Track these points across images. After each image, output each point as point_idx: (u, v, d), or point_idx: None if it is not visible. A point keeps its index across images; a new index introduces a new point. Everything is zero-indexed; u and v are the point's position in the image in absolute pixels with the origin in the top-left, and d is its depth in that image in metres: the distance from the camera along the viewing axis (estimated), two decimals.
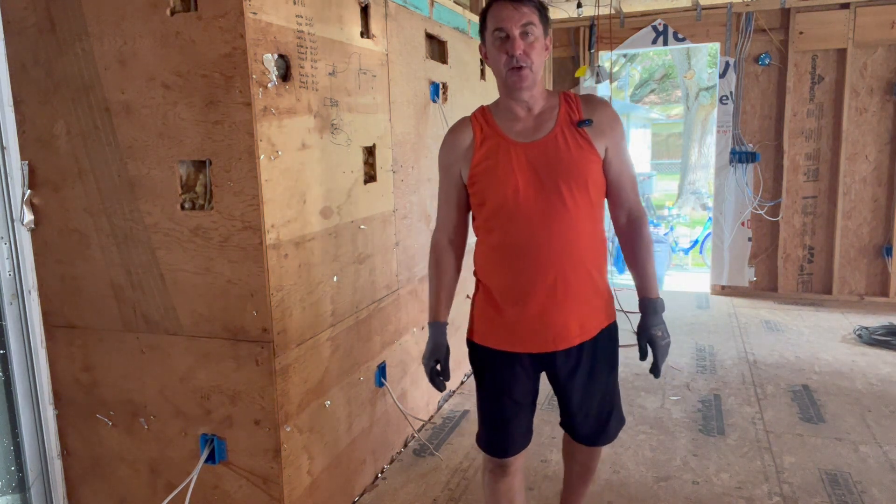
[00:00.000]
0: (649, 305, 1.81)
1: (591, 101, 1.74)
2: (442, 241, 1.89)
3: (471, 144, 1.74)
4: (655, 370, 1.81)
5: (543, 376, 1.88)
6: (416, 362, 3.11)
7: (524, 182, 1.67)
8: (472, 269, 1.88)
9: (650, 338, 1.80)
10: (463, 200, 1.82)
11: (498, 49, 1.66)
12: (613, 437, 1.93)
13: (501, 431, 1.85)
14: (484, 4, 4.20)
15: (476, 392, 1.92)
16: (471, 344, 1.87)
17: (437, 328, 1.88)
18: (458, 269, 1.93)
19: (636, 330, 1.84)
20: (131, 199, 2.04)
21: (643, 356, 1.83)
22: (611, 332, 1.85)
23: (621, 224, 1.83)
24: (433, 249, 1.91)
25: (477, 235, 1.83)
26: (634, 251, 1.82)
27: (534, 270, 1.69)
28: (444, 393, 3.49)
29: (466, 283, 3.47)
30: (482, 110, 1.79)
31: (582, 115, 1.70)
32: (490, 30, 1.67)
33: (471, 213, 1.86)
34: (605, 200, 1.82)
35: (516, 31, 1.63)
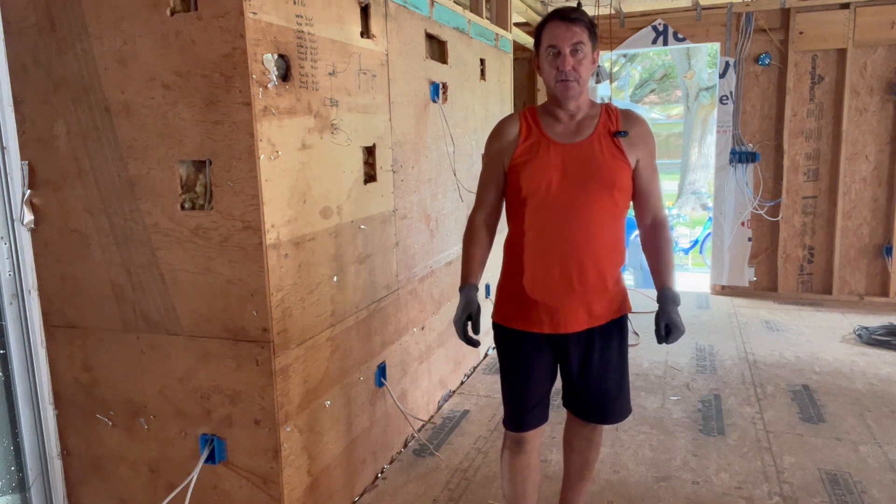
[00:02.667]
0: (668, 294, 1.90)
1: (629, 115, 1.91)
2: (477, 220, 2.02)
3: (516, 137, 1.91)
4: (661, 337, 1.89)
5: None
6: (417, 362, 3.11)
7: (557, 178, 1.83)
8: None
9: (669, 321, 1.87)
10: (501, 185, 1.97)
11: (550, 64, 1.82)
12: (617, 418, 2.04)
13: (520, 405, 1.99)
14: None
15: (499, 372, 2.06)
16: (495, 326, 2.03)
17: (470, 288, 1.95)
18: (490, 246, 2.03)
19: (655, 317, 1.91)
20: (131, 199, 2.04)
21: (661, 339, 1.89)
22: (622, 324, 1.98)
23: (646, 225, 1.99)
24: (469, 226, 2.03)
25: (508, 223, 1.98)
26: (657, 247, 1.98)
27: (554, 259, 1.85)
28: (444, 393, 3.49)
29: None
30: (531, 110, 1.95)
31: (619, 127, 1.87)
32: (544, 45, 1.83)
33: (504, 201, 2.00)
34: (632, 208, 1.98)
35: (567, 48, 1.79)
